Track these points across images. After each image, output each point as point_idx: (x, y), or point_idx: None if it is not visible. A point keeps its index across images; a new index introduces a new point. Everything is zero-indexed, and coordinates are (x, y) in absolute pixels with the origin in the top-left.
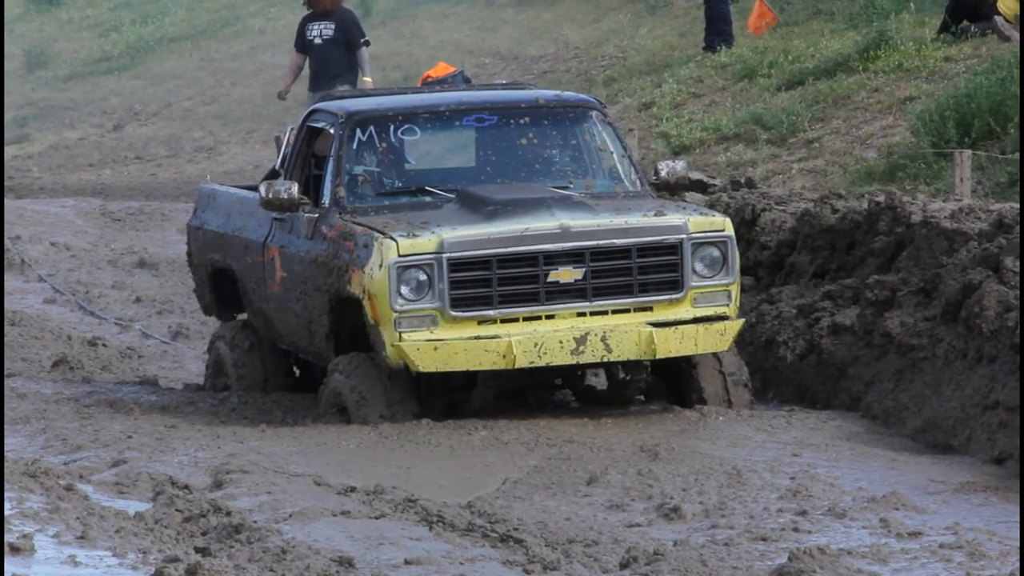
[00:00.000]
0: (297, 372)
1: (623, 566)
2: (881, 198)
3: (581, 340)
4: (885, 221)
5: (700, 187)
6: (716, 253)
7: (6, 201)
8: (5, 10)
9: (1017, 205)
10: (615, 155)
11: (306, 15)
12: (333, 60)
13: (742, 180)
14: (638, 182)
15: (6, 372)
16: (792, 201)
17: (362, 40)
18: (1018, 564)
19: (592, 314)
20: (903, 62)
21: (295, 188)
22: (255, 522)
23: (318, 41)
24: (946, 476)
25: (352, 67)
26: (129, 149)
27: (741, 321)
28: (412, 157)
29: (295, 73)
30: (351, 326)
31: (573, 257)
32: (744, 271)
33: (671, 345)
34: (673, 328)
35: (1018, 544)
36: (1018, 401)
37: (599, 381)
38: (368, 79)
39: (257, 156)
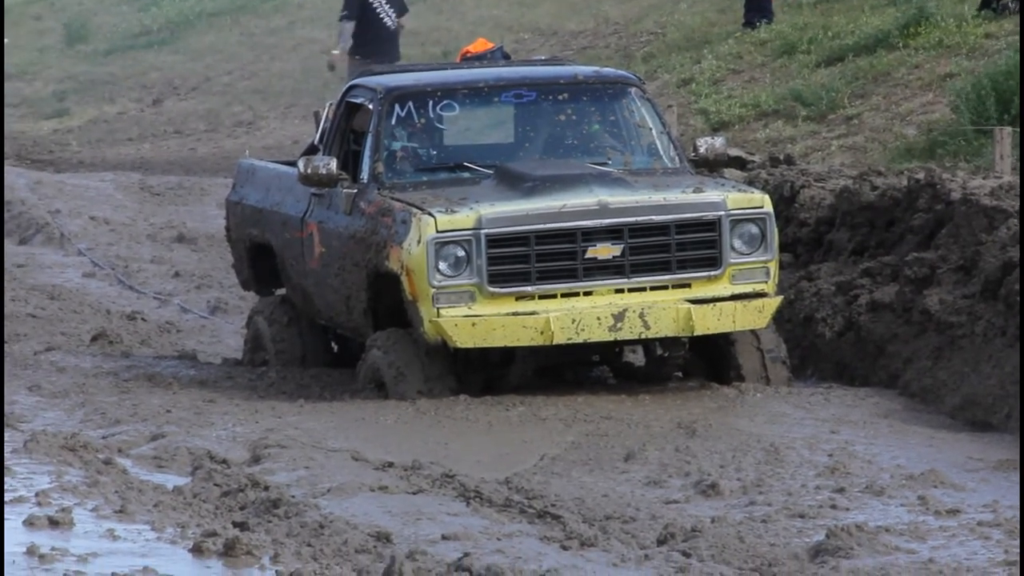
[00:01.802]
0: (335, 347)
1: (660, 542)
2: (921, 175)
3: (619, 317)
4: (924, 198)
5: (739, 164)
6: (755, 230)
7: (46, 175)
8: None
9: None
10: (654, 131)
11: None
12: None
13: (781, 157)
14: (677, 159)
15: (46, 346)
16: (831, 178)
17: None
18: None
19: (630, 291)
20: (943, 39)
21: (334, 164)
22: (293, 497)
23: None
24: (985, 453)
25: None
26: (168, 124)
27: (779, 298)
28: (451, 133)
29: None
30: (389, 302)
31: (611, 233)
32: (783, 248)
33: (709, 322)
34: (711, 305)
35: None
36: None
37: (637, 358)
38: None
39: (296, 131)
